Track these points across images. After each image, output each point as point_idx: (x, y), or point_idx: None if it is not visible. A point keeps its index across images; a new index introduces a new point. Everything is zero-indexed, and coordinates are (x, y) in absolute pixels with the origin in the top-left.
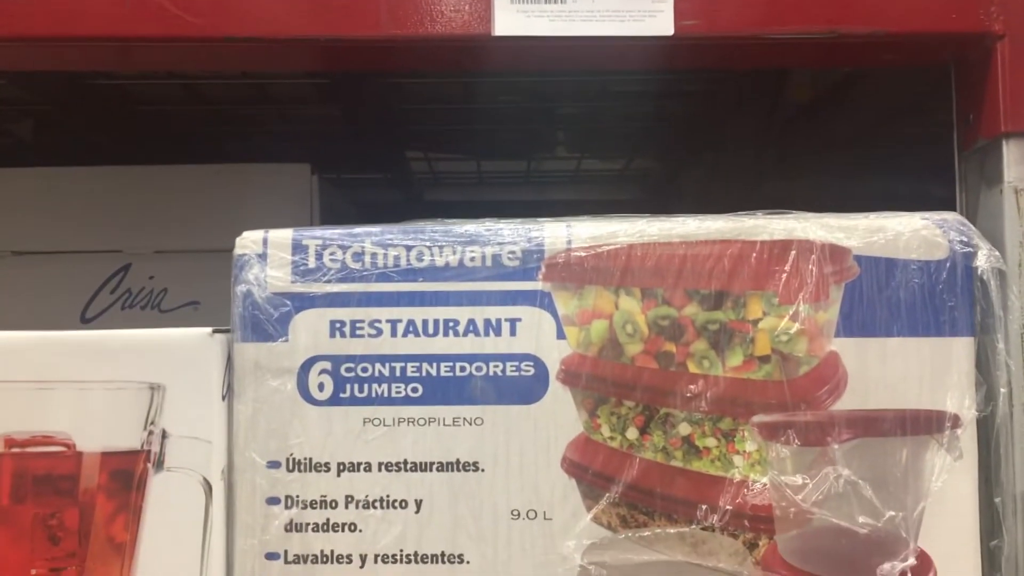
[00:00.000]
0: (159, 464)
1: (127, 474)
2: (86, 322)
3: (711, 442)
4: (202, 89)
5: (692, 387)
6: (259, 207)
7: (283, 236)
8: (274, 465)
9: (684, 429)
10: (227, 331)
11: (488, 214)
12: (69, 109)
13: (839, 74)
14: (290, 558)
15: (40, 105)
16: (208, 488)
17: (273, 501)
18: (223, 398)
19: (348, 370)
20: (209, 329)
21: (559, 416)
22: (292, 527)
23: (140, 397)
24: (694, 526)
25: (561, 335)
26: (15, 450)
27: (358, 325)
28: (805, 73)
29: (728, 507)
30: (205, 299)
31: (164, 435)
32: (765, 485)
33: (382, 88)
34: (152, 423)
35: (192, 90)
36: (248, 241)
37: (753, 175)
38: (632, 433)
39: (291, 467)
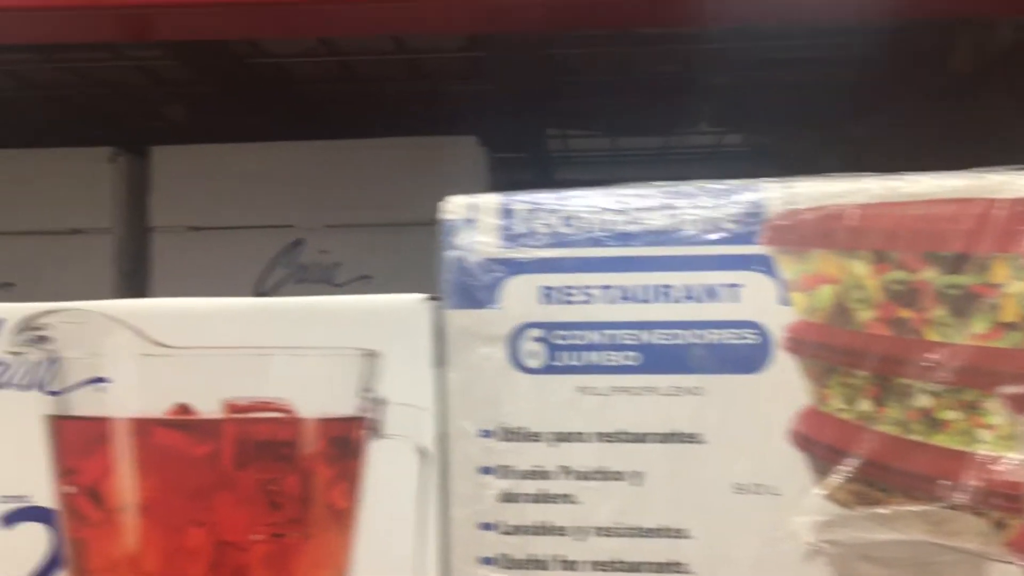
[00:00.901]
0: (377, 431)
1: (345, 440)
2: (260, 296)
3: (953, 415)
4: (356, 66)
5: (931, 356)
6: (429, 180)
7: (491, 201)
8: (486, 434)
9: (922, 400)
10: (438, 298)
11: None
12: (228, 89)
13: (1004, 42)
14: (505, 529)
15: (199, 86)
16: (424, 456)
17: (486, 471)
18: (435, 365)
19: (561, 337)
20: (422, 295)
21: (784, 386)
22: (506, 498)
23: (355, 364)
24: (936, 504)
25: (785, 301)
26: (238, 415)
27: (570, 291)
28: (969, 42)
29: (974, 484)
30: (377, 272)
31: (380, 402)
32: (1016, 461)
33: (534, 61)
34: (368, 390)
35: (347, 67)
36: (455, 206)
37: (908, 151)
38: (865, 405)
39: (504, 436)
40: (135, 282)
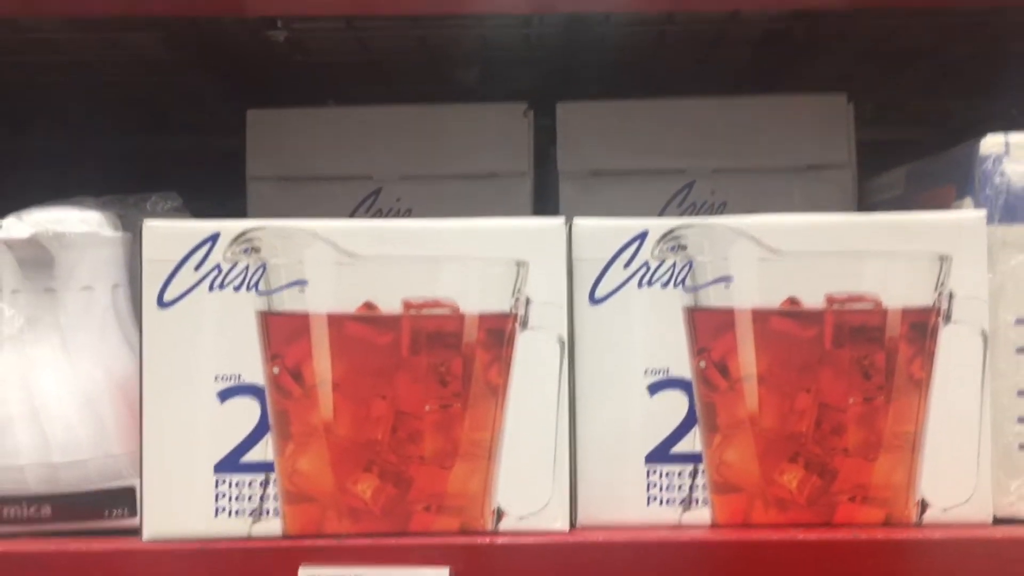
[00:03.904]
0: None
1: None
2: None
3: None
4: None
5: None
6: (794, 134)
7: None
8: (1021, 322)
9: None
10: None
11: None
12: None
13: None
14: None
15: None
16: (984, 338)
17: (1022, 351)
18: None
19: None
20: (979, 213)
21: None
22: None
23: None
24: None
25: None
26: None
27: None
28: None
29: None
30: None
31: (952, 297)
32: None
33: None
34: (943, 284)
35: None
36: (993, 143)
37: None
38: None
39: None
40: None
